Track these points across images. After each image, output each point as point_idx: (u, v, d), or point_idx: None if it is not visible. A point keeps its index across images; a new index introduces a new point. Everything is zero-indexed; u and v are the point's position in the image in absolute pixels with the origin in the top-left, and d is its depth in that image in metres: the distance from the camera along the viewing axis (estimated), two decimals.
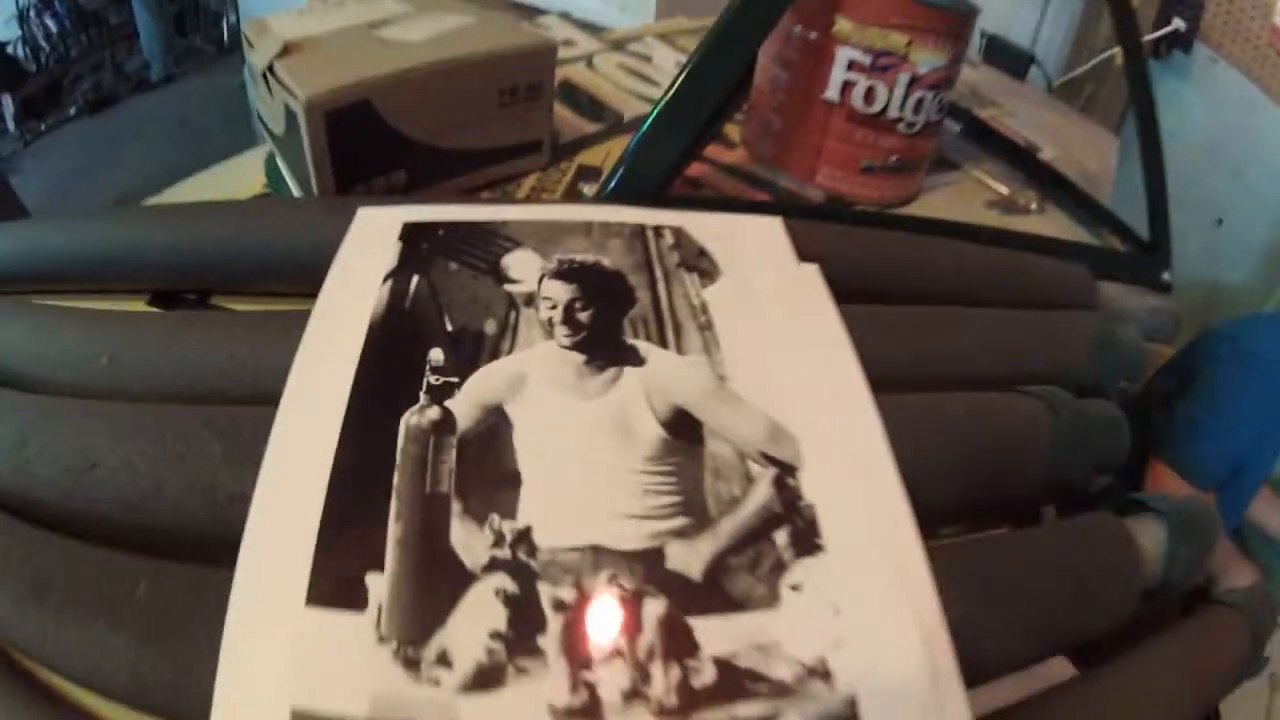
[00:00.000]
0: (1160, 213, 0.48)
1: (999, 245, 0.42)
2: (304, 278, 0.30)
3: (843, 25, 0.40)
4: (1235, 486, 0.50)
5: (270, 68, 0.33)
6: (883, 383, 0.25)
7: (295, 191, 0.39)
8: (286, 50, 0.34)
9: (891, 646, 0.18)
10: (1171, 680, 0.25)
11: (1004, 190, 0.51)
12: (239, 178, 0.43)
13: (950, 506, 0.27)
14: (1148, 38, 1.08)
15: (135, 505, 0.22)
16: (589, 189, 0.40)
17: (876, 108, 0.41)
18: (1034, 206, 0.51)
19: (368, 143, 0.35)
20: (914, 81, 0.40)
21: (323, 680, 0.15)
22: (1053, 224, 0.51)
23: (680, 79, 0.35)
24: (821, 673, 0.17)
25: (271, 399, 0.23)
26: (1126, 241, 0.50)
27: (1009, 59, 0.94)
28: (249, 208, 0.32)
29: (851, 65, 0.40)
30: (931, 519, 0.27)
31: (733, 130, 0.52)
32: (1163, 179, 0.49)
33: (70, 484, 0.22)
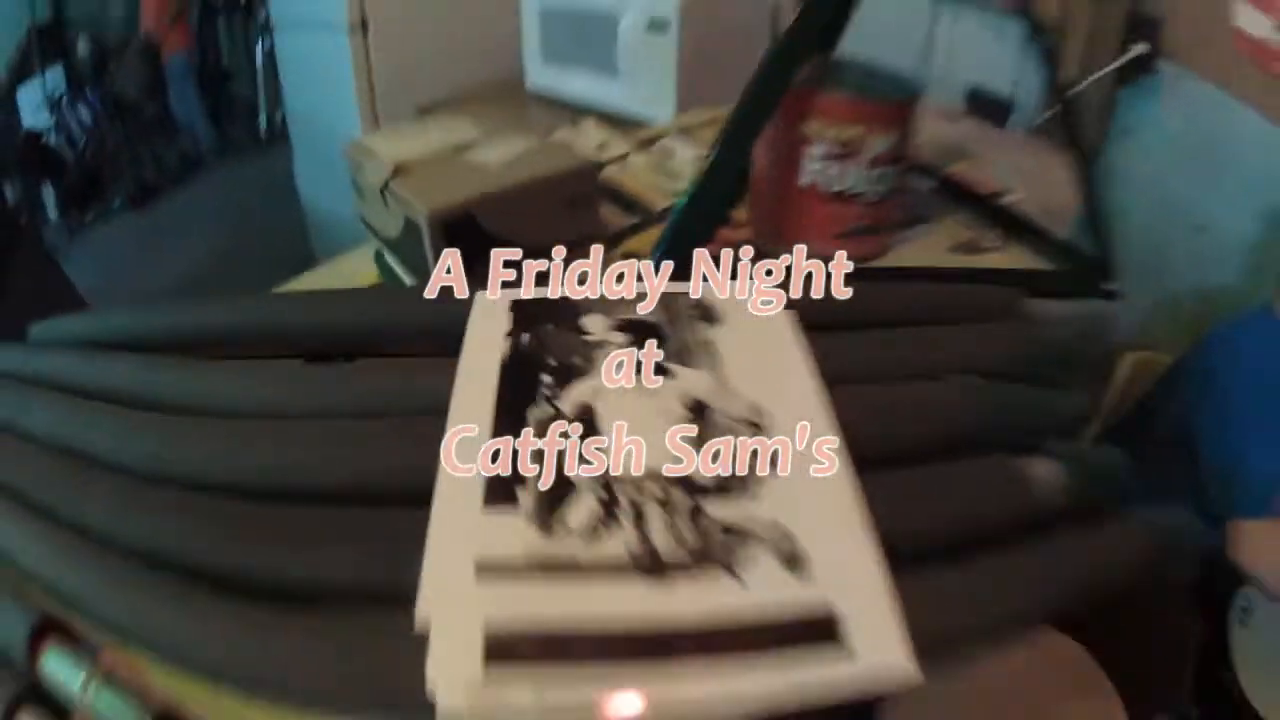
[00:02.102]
0: (1100, 230, 0.58)
1: (951, 280, 0.53)
2: (435, 346, 0.44)
3: (811, 125, 0.53)
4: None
5: (386, 185, 0.48)
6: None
7: (408, 282, 0.54)
8: (397, 171, 0.49)
9: (835, 531, 0.29)
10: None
11: (968, 235, 0.63)
12: (350, 273, 0.59)
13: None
14: (1111, 66, 1.17)
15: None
16: None
17: (843, 185, 0.54)
18: (996, 245, 0.62)
19: (470, 244, 0.50)
20: (873, 161, 0.53)
21: (494, 544, 0.28)
22: (1012, 258, 0.62)
23: (699, 177, 0.49)
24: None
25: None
26: (1075, 261, 0.60)
27: (990, 107, 1.05)
28: (380, 293, 0.46)
29: (820, 155, 0.53)
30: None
31: (741, 212, 0.66)
32: (1097, 199, 0.59)
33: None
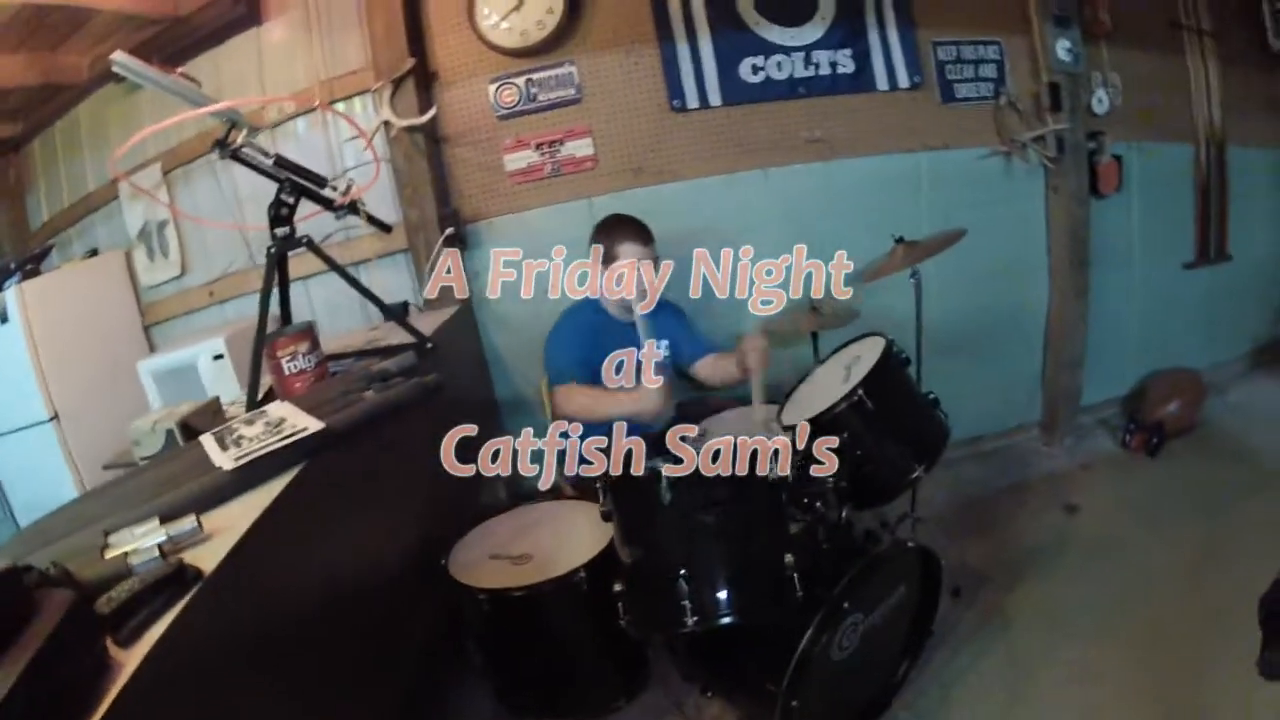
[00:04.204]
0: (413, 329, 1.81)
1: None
2: None
3: (277, 351, 1.64)
4: None
5: (154, 425, 1.45)
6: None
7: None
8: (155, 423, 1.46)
9: None
10: None
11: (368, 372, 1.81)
12: None
13: None
14: (435, 255, 2.39)
15: None
16: None
17: (299, 369, 1.64)
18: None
19: (188, 433, 1.48)
20: (305, 355, 1.65)
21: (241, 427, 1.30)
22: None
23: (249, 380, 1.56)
24: None
25: None
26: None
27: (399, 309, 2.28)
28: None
29: (285, 359, 1.63)
30: None
31: None
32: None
33: None
